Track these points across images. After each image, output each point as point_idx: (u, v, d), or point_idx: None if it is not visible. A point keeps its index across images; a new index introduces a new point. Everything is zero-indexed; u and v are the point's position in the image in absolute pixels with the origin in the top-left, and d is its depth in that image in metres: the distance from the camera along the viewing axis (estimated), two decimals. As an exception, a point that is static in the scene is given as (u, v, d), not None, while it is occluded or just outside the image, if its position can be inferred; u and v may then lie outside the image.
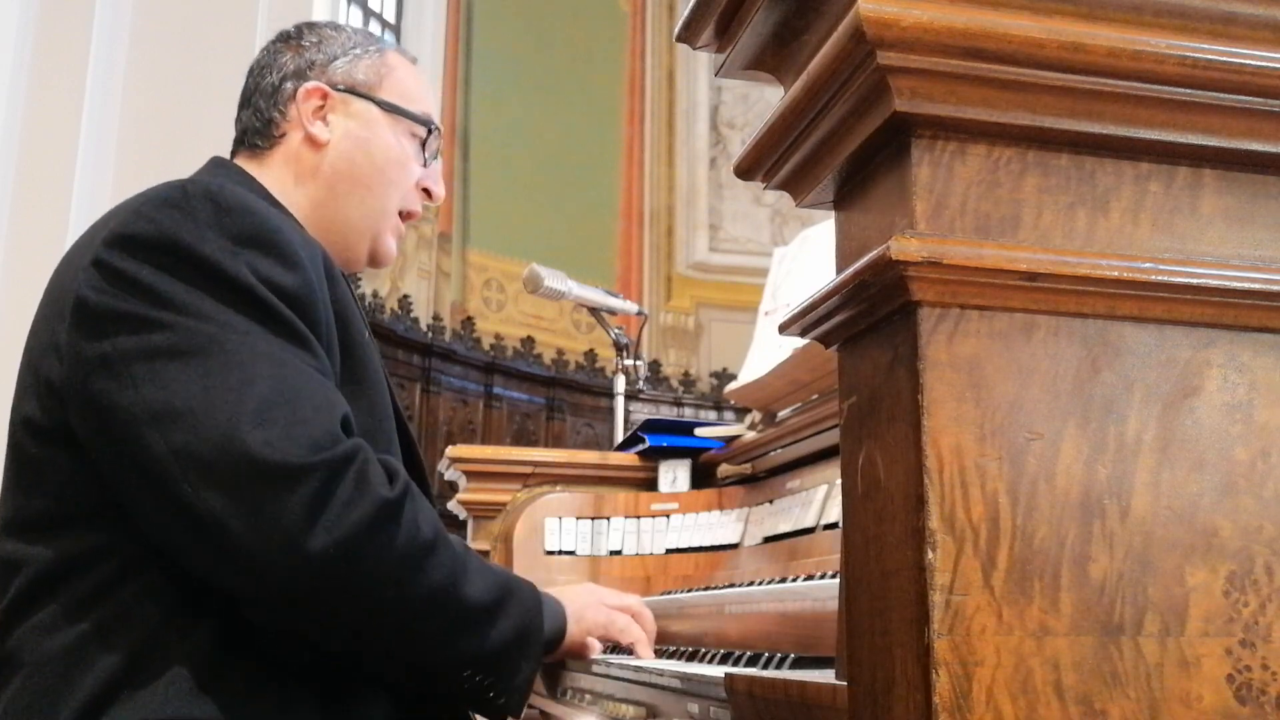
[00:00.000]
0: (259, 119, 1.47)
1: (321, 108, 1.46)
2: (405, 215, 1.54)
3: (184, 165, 1.40)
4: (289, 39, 1.52)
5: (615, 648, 1.57)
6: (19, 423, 1.22)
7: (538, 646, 1.30)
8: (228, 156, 1.49)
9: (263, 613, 1.14)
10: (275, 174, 1.45)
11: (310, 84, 1.46)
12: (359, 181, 1.46)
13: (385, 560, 1.11)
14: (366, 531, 1.09)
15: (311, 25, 1.55)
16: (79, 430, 1.16)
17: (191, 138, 3.85)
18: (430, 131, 1.53)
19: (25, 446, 1.21)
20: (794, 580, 1.49)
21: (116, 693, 1.10)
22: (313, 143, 1.45)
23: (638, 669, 1.34)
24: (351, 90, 1.48)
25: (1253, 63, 0.69)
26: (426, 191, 1.56)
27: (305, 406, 1.10)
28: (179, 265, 1.14)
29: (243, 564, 1.07)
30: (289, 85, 1.47)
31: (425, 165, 1.54)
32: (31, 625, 1.16)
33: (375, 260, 1.52)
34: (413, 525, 1.14)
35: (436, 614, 1.17)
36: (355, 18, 8.67)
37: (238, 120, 1.51)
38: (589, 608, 1.50)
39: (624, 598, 1.60)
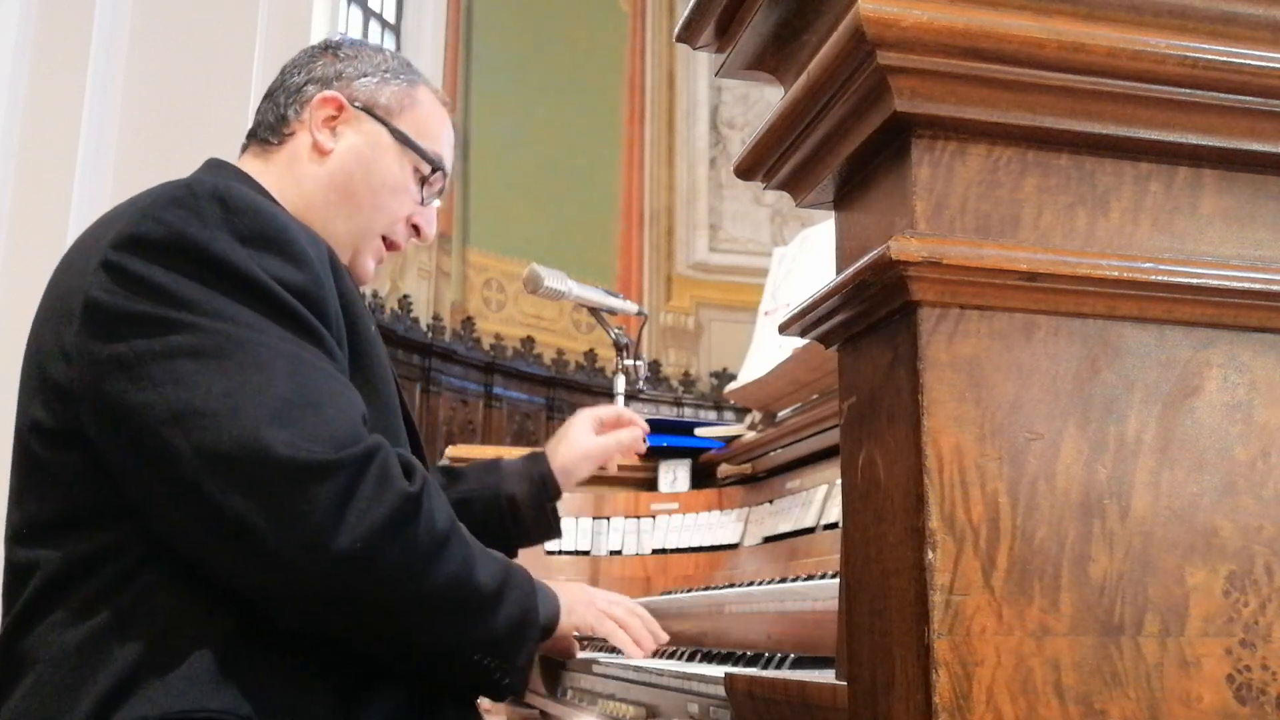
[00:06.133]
0: (275, 114, 1.50)
1: (334, 118, 1.48)
2: (388, 244, 1.54)
3: (184, 165, 1.41)
4: (329, 48, 1.55)
5: (613, 648, 1.57)
6: (27, 427, 1.22)
7: (536, 627, 1.33)
8: (236, 154, 1.51)
9: (285, 610, 1.14)
10: (277, 171, 1.47)
11: (329, 93, 1.48)
12: (350, 197, 1.47)
13: (406, 555, 1.13)
14: (390, 528, 1.11)
15: (355, 42, 1.58)
16: (92, 431, 1.16)
17: (191, 138, 3.85)
18: (434, 170, 1.54)
19: (34, 450, 1.21)
20: (794, 580, 1.49)
21: (134, 685, 1.10)
22: (317, 149, 1.47)
23: (638, 669, 1.34)
24: (368, 110, 1.50)
25: (1253, 63, 0.69)
26: (415, 228, 1.56)
27: (326, 405, 1.12)
28: (191, 265, 1.15)
29: (268, 563, 1.08)
30: (311, 89, 1.50)
31: (422, 203, 1.55)
32: (47, 625, 1.16)
33: (352, 277, 1.51)
34: (430, 519, 1.16)
35: (451, 603, 1.20)
36: (355, 18, 8.66)
37: (257, 110, 1.53)
38: (580, 603, 1.53)
39: (613, 597, 1.62)
